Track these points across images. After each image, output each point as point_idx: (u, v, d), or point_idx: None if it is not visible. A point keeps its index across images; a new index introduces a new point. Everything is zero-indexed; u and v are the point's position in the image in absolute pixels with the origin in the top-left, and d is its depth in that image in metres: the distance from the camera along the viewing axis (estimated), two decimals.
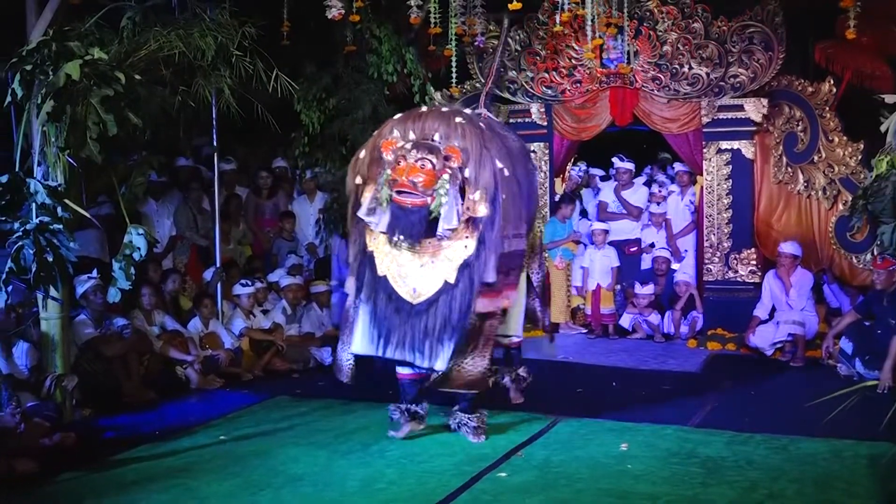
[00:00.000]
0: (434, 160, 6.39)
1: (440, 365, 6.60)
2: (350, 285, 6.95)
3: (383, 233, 6.60)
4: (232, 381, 9.21)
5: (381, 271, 6.70)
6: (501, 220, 6.47)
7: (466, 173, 6.44)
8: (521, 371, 8.07)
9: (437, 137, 6.55)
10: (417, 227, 6.42)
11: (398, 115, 6.91)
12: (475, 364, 6.80)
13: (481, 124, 6.71)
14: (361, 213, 6.69)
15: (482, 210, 6.44)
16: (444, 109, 6.68)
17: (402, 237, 6.47)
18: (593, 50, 10.04)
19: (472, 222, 6.48)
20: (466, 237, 6.49)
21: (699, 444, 6.75)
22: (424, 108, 6.76)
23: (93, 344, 8.21)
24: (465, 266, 6.48)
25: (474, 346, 6.77)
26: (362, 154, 6.81)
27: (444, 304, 6.49)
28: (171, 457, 6.67)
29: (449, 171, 6.42)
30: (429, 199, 6.38)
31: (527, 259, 7.57)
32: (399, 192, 6.40)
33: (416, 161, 6.40)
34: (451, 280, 6.50)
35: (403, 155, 6.46)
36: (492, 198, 6.43)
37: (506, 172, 6.54)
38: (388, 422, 7.13)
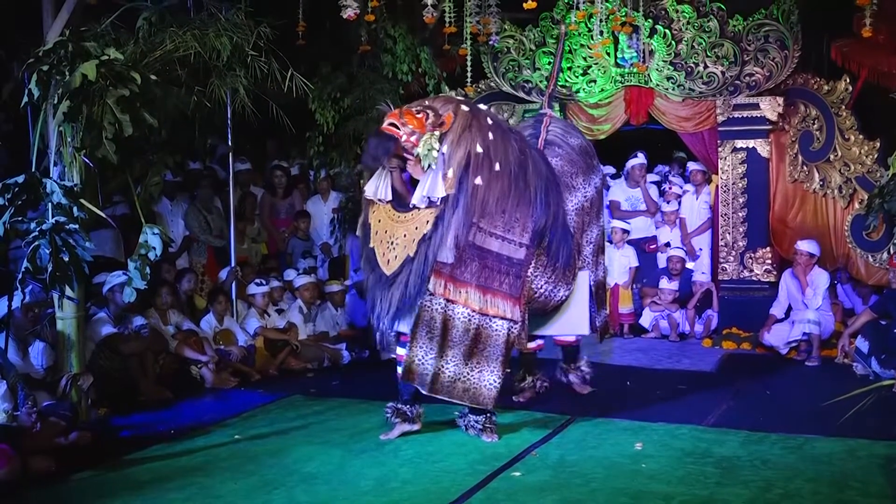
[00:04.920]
0: (431, 114, 6.58)
1: (403, 328, 6.82)
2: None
3: (371, 199, 6.89)
4: (246, 380, 9.25)
5: (372, 243, 6.85)
6: (472, 206, 6.51)
7: (444, 148, 6.53)
8: (583, 365, 8.30)
9: (438, 109, 6.71)
10: (383, 149, 6.61)
11: None
12: (481, 377, 6.78)
13: (489, 120, 6.81)
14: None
15: (449, 188, 6.51)
16: (454, 96, 6.89)
17: (370, 157, 6.71)
18: (603, 45, 10.03)
19: (442, 200, 6.59)
20: (432, 213, 6.59)
21: (714, 443, 6.73)
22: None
23: (110, 342, 8.24)
24: (423, 240, 6.57)
25: (478, 355, 6.76)
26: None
27: (404, 275, 6.63)
28: (185, 456, 6.69)
29: (439, 132, 6.55)
30: (405, 136, 6.54)
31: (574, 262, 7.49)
32: (387, 123, 6.62)
33: (415, 107, 6.66)
34: (412, 254, 6.61)
35: (408, 107, 6.75)
36: (459, 178, 6.50)
37: (496, 167, 6.58)
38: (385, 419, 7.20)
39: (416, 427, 7.08)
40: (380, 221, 6.83)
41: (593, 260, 7.98)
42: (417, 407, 7.10)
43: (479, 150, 6.55)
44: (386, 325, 6.84)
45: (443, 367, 6.73)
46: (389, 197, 6.83)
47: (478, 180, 6.52)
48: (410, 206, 6.65)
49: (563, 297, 7.40)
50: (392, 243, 6.71)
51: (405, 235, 6.65)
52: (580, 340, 8.29)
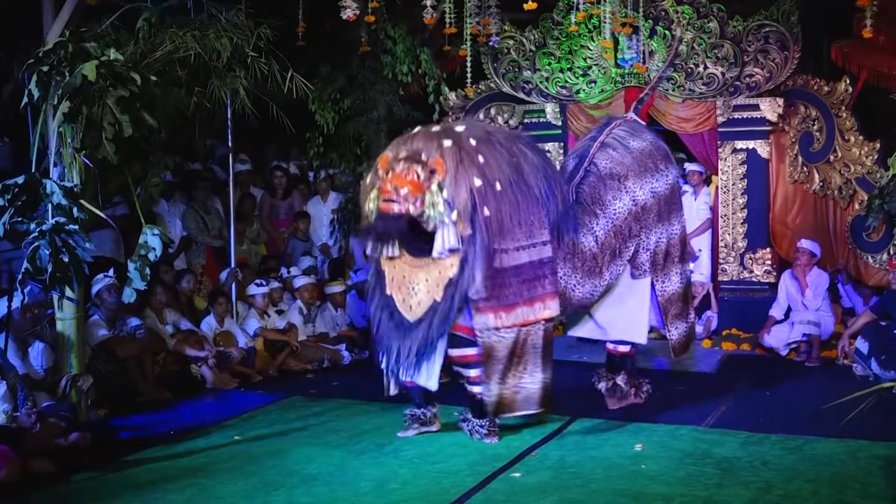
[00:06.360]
0: (420, 171, 6.43)
1: (432, 384, 6.84)
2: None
3: (371, 255, 6.85)
4: (247, 381, 9.25)
5: (388, 291, 6.80)
6: (488, 238, 6.49)
7: (445, 194, 6.43)
8: (619, 380, 7.95)
9: (423, 157, 6.53)
10: (395, 230, 6.50)
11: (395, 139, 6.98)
12: (531, 381, 6.85)
13: (472, 140, 6.64)
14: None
15: (463, 230, 6.46)
16: (434, 129, 6.75)
17: (381, 241, 6.61)
18: (606, 49, 10.00)
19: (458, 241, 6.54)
20: (456, 255, 6.53)
21: (714, 444, 6.74)
22: (417, 129, 6.82)
23: (106, 345, 8.24)
24: (450, 284, 6.55)
25: (520, 363, 6.80)
26: (368, 180, 6.84)
27: (428, 318, 6.61)
28: (185, 457, 6.70)
29: (436, 183, 6.43)
30: (411, 208, 6.41)
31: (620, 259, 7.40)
32: (385, 200, 6.46)
33: (402, 171, 6.46)
34: (438, 298, 6.58)
35: (392, 167, 6.52)
36: (469, 217, 6.44)
37: (497, 187, 6.52)
38: (402, 422, 7.23)
39: (433, 428, 7.17)
40: (395, 268, 6.78)
41: (661, 269, 7.66)
42: (431, 408, 7.17)
43: (478, 182, 6.47)
44: (404, 371, 6.81)
45: (517, 383, 6.83)
46: (397, 253, 6.73)
47: (486, 212, 6.48)
48: (432, 256, 6.55)
49: (592, 296, 7.31)
50: (413, 289, 6.68)
51: (427, 280, 6.62)
52: (632, 354, 8.00)
